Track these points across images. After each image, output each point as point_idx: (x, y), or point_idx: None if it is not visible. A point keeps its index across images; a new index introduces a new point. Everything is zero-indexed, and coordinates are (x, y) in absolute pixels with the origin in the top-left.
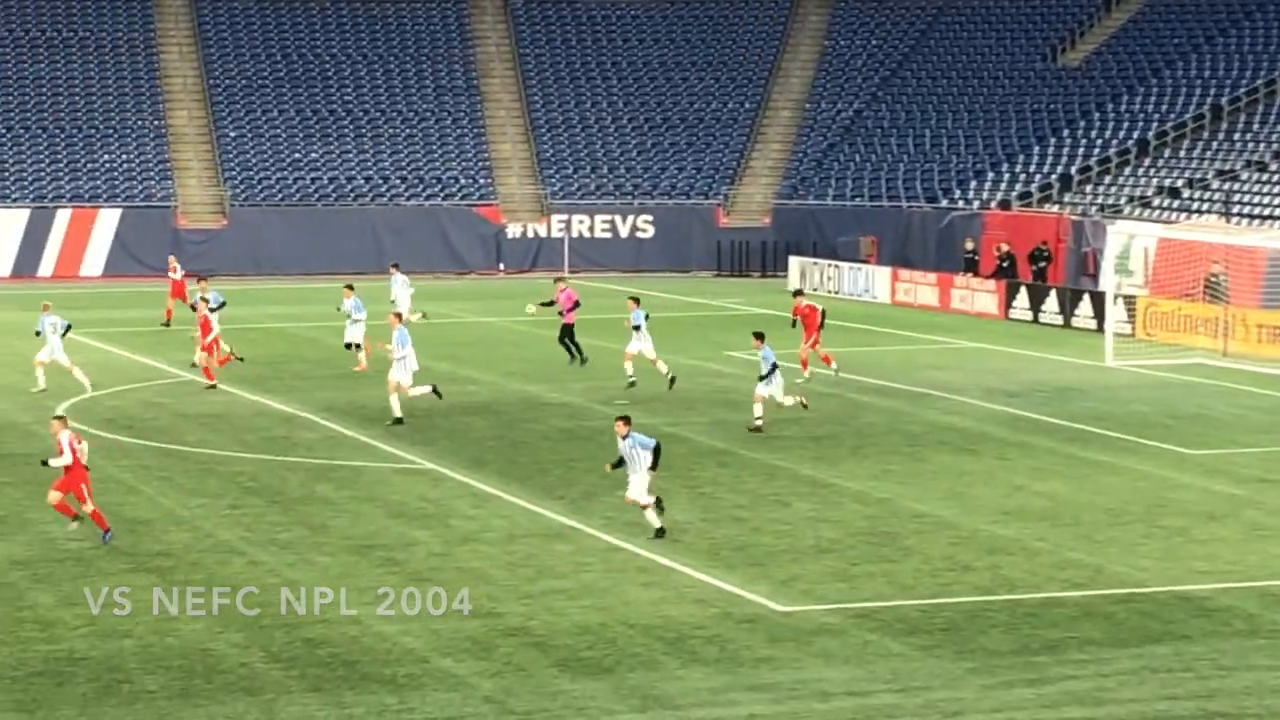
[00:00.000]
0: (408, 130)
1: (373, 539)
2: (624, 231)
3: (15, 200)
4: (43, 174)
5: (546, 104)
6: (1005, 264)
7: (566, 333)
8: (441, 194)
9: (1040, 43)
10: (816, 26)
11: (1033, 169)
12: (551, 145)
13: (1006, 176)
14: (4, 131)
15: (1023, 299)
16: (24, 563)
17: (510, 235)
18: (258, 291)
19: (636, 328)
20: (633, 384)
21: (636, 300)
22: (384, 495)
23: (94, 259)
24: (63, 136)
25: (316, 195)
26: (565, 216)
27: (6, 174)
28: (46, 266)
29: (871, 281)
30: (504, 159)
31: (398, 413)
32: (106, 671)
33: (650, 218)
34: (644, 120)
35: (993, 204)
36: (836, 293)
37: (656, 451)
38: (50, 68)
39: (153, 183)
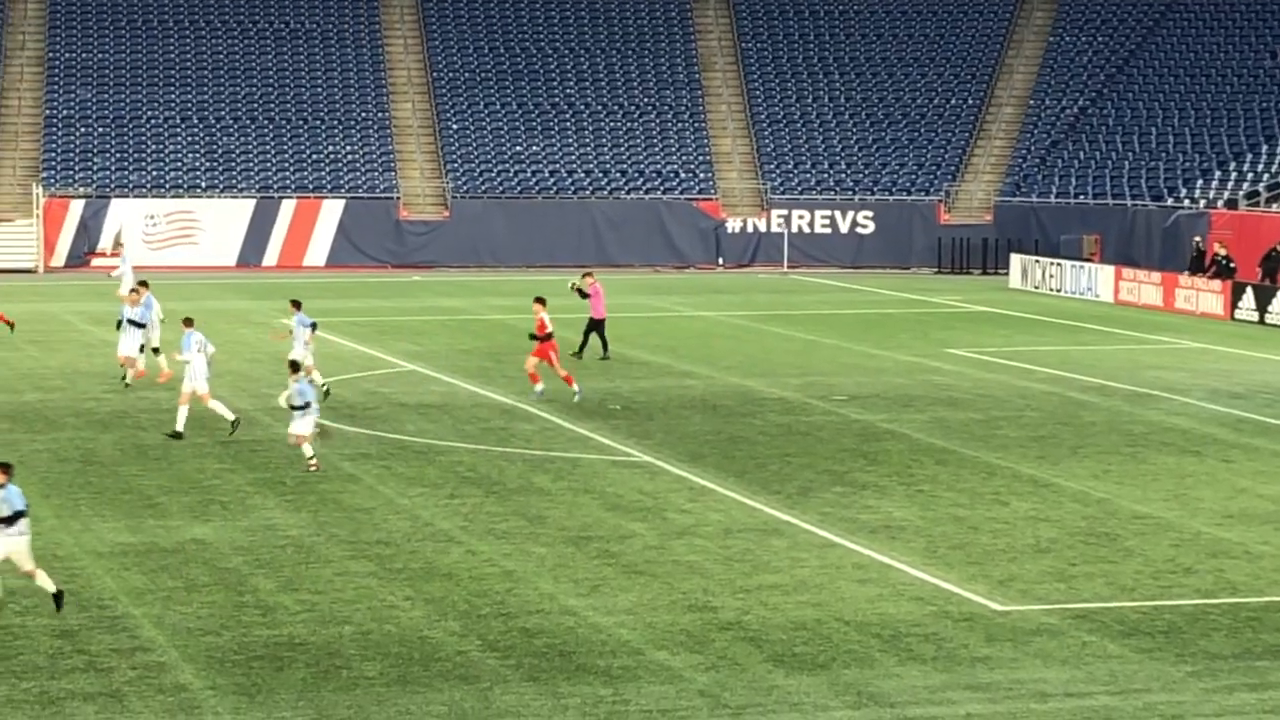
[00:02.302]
0: (628, 124)
1: (589, 530)
2: (844, 227)
3: (242, 190)
4: (269, 165)
5: (768, 98)
6: (1224, 264)
7: (595, 327)
8: (661, 188)
9: (1269, 39)
10: (1041, 22)
11: (1260, 168)
12: (772, 140)
13: (1234, 175)
14: (231, 122)
15: (1249, 299)
16: (246, 548)
17: (730, 230)
18: (478, 283)
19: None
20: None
21: (298, 304)
22: (600, 487)
23: (317, 249)
24: (289, 128)
25: (537, 188)
26: (785, 211)
27: (234, 164)
28: (271, 256)
29: (1094, 280)
30: (724, 153)
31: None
32: (325, 657)
33: (870, 213)
34: (865, 115)
35: (1219, 203)
36: (1059, 291)
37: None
38: (278, 59)
39: (376, 174)
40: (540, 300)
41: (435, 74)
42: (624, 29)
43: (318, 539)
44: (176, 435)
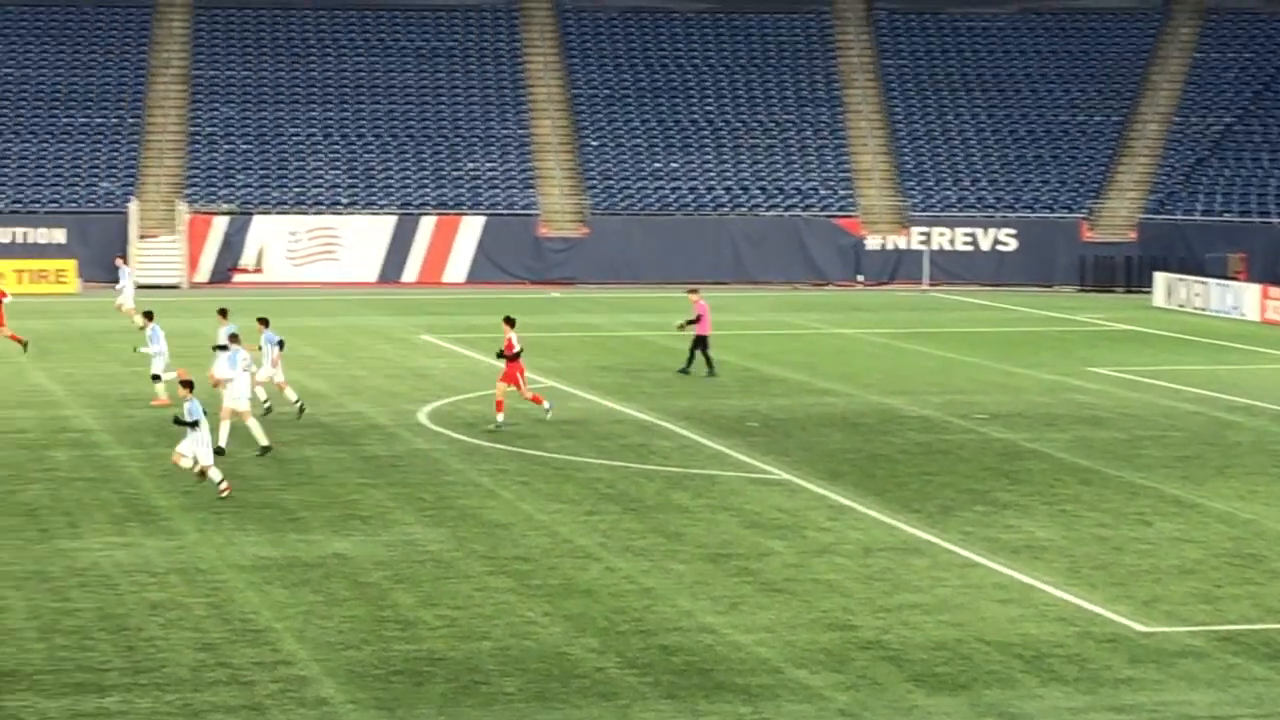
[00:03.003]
0: (768, 140)
1: (728, 548)
2: (985, 245)
3: (382, 207)
4: (409, 182)
5: (908, 115)
6: None
7: (701, 344)
8: (801, 205)
9: None
10: (1187, 39)
11: None
12: (913, 156)
13: None
14: (373, 139)
15: None
16: (386, 563)
17: (869, 247)
18: (616, 300)
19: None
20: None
21: (265, 321)
22: (739, 505)
23: (457, 266)
24: (429, 145)
25: (676, 205)
26: (926, 228)
27: (374, 182)
28: (411, 273)
29: (1240, 299)
30: (864, 170)
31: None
32: (465, 672)
33: (1013, 231)
34: (1007, 132)
35: None
36: (1204, 309)
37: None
38: (418, 77)
39: (515, 191)
40: (509, 320)
41: (575, 91)
42: (764, 45)
43: (457, 554)
44: (219, 451)
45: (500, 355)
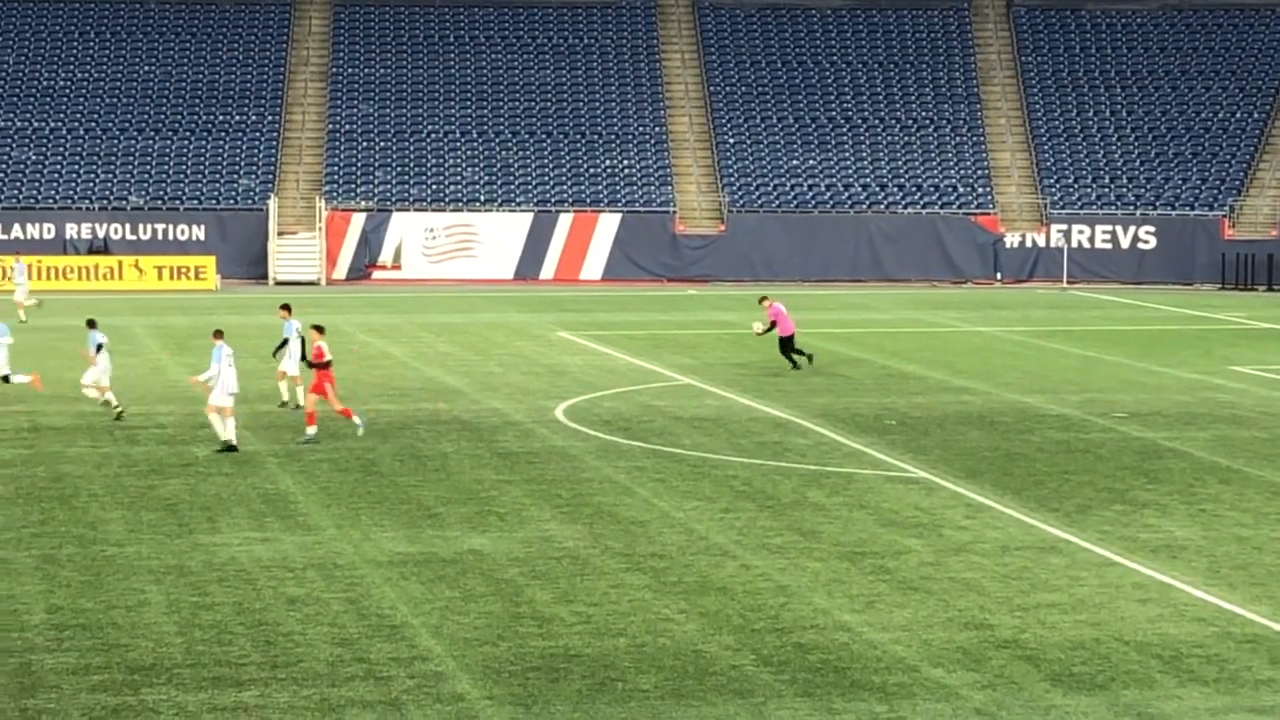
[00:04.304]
0: (906, 137)
1: (864, 546)
2: (1125, 242)
3: (520, 205)
4: (546, 179)
5: (1047, 111)
6: None
7: (786, 345)
8: (939, 202)
9: None
10: None
11: None
12: (1052, 153)
13: None
14: (510, 137)
15: None
16: (522, 560)
17: (1008, 244)
18: (753, 297)
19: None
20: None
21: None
22: (875, 503)
23: (594, 263)
24: (566, 142)
25: (813, 202)
26: (1064, 226)
27: (512, 179)
28: (548, 270)
29: None
30: (1003, 167)
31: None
32: (601, 669)
33: (1152, 229)
34: (1147, 129)
35: None
36: None
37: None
38: (556, 75)
39: (652, 188)
40: (318, 328)
41: (712, 88)
42: (902, 41)
43: (593, 551)
44: (230, 447)
45: (309, 364)
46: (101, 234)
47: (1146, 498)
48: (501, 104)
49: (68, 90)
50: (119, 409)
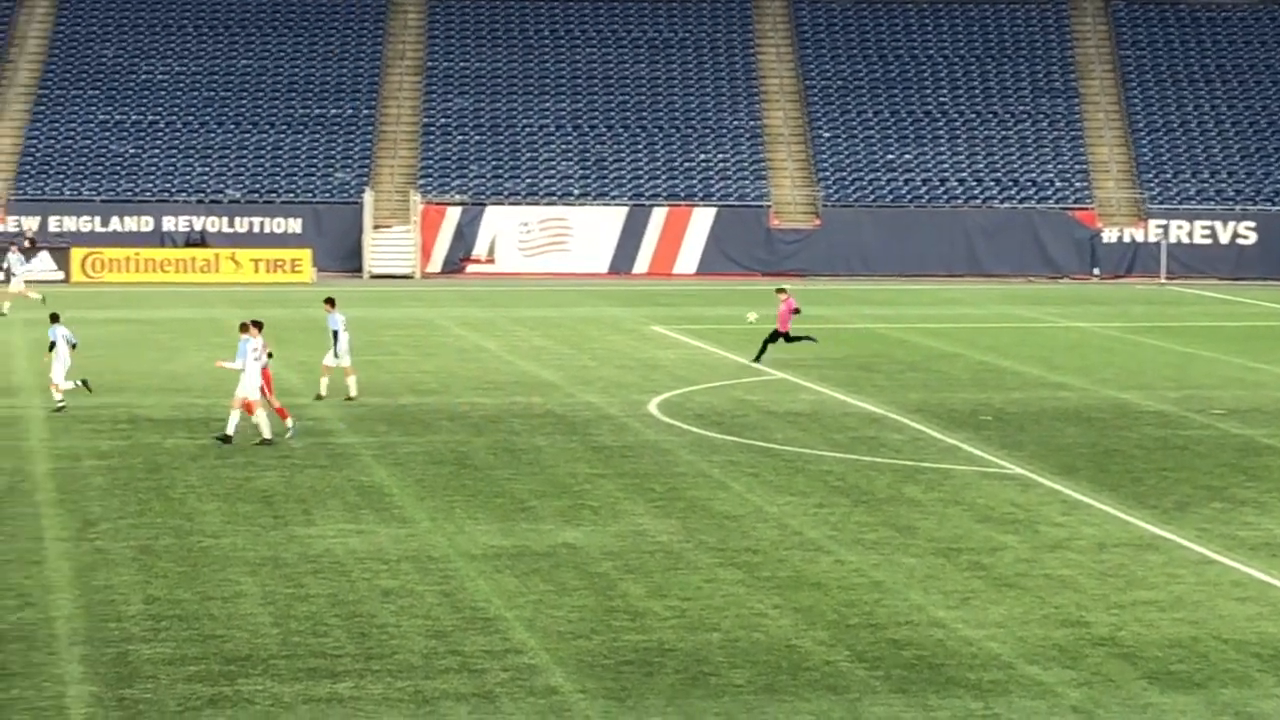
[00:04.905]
0: (1002, 132)
1: (959, 542)
2: (1224, 238)
3: (614, 198)
4: (640, 173)
5: (1146, 106)
6: None
7: (775, 337)
8: (1036, 196)
9: None
10: None
11: None
12: (1150, 148)
13: None
14: (605, 130)
15: None
16: (615, 553)
17: (1105, 240)
18: (849, 292)
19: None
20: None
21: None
22: (971, 499)
23: (688, 257)
24: (661, 136)
25: (909, 196)
26: (1163, 221)
27: (606, 172)
28: (641, 264)
29: None
30: (1101, 162)
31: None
32: (694, 663)
33: (1253, 224)
34: (1247, 123)
35: None
36: None
37: None
38: (651, 68)
39: (747, 182)
40: (257, 324)
41: (807, 81)
42: (999, 35)
43: (687, 545)
44: (226, 439)
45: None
46: (199, 227)
47: (1245, 495)
48: (596, 97)
49: (166, 83)
50: (61, 404)
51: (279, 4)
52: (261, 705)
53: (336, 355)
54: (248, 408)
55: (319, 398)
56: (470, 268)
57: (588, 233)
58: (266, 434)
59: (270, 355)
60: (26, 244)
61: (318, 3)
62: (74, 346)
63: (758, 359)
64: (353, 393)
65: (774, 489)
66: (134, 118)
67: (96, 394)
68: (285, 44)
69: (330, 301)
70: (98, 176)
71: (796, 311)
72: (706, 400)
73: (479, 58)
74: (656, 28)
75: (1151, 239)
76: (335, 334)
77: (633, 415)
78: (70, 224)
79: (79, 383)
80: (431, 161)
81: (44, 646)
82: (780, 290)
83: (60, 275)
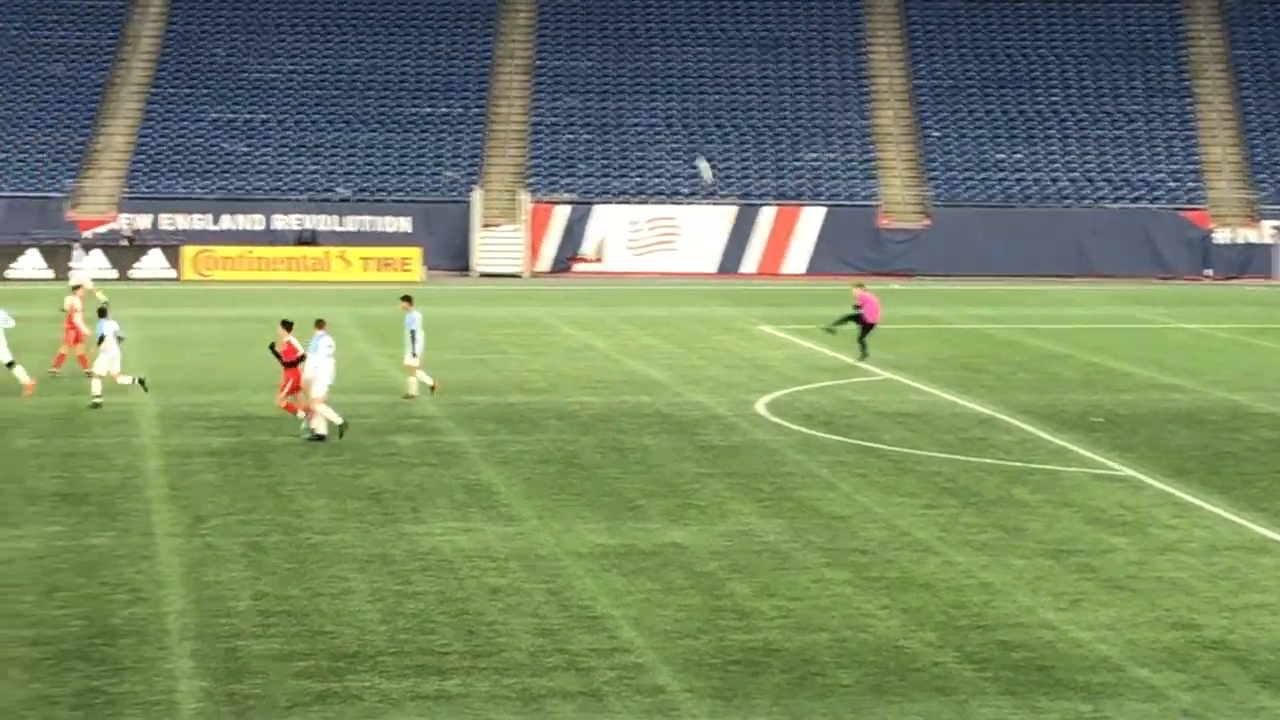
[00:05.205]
0: (1114, 131)
1: (1068, 544)
2: None
3: (723, 198)
4: (749, 172)
5: (1260, 106)
6: None
7: (866, 330)
8: (1148, 197)
9: None
10: None
11: None
12: (1265, 148)
13: None
14: (714, 129)
15: None
16: (722, 553)
17: (1218, 240)
18: (958, 292)
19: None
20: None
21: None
22: (1081, 500)
23: (797, 257)
24: (770, 135)
25: (1020, 196)
26: (1277, 223)
27: (715, 172)
28: (750, 264)
29: None
30: (1214, 162)
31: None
32: (801, 664)
33: None
34: None
35: None
36: None
37: None
38: (760, 67)
39: (857, 182)
40: (286, 324)
41: (917, 81)
42: (1111, 35)
43: (794, 545)
44: (319, 438)
45: (273, 351)
46: (309, 226)
47: None
48: (705, 97)
49: (277, 82)
50: (98, 399)
51: (390, 3)
52: (369, 702)
53: (415, 354)
54: (293, 407)
55: (407, 398)
56: (578, 267)
57: (696, 232)
58: (322, 430)
59: (303, 358)
60: (124, 242)
61: (428, 2)
62: (121, 340)
63: (862, 358)
64: (413, 391)
65: (882, 489)
66: (245, 116)
67: (206, 391)
68: (396, 43)
69: (408, 299)
70: (209, 175)
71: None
72: (814, 400)
73: (589, 56)
74: (767, 27)
75: (1266, 240)
76: (413, 333)
77: (740, 415)
78: (182, 222)
79: (136, 381)
80: (540, 160)
81: (155, 641)
82: (858, 285)
83: (114, 273)
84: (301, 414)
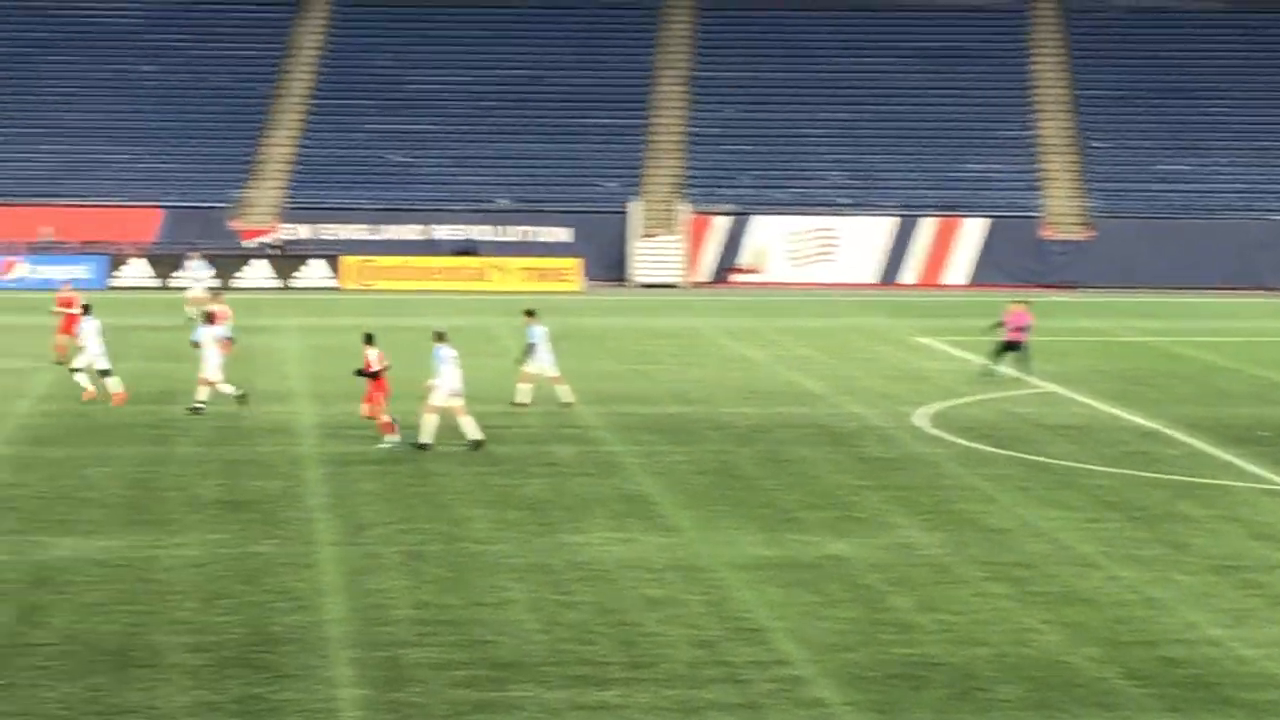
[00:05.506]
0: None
1: (1234, 560)
2: None
3: (883, 209)
4: (910, 183)
5: None
6: None
7: (1005, 348)
8: None
9: None
10: None
11: None
12: None
13: None
14: (874, 140)
15: None
16: (882, 566)
17: None
18: (1121, 304)
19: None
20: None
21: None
22: (1249, 516)
23: (957, 268)
24: (931, 146)
25: (1185, 208)
26: None
27: (875, 183)
28: (909, 274)
29: None
30: None
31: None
32: (962, 678)
33: None
34: None
35: None
36: None
37: None
38: (922, 78)
39: (1019, 193)
40: (368, 337)
41: (1081, 92)
42: (1278, 44)
43: (955, 559)
44: (423, 447)
45: (359, 373)
46: (469, 236)
47: None
48: (865, 107)
49: (437, 93)
50: (238, 394)
51: (549, 14)
52: (529, 711)
53: (532, 364)
54: (441, 411)
55: (519, 405)
56: (737, 277)
57: (855, 243)
58: (476, 434)
59: (388, 367)
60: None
61: (588, 13)
62: (231, 341)
63: (993, 373)
64: (569, 399)
65: (1044, 503)
66: (406, 127)
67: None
68: (556, 54)
69: (530, 313)
70: (370, 185)
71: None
72: (975, 412)
73: (747, 67)
74: (928, 37)
75: None
76: (532, 345)
77: (899, 426)
78: (343, 232)
79: (237, 395)
80: (699, 171)
81: (316, 649)
82: (1020, 302)
83: (218, 282)
84: (391, 438)
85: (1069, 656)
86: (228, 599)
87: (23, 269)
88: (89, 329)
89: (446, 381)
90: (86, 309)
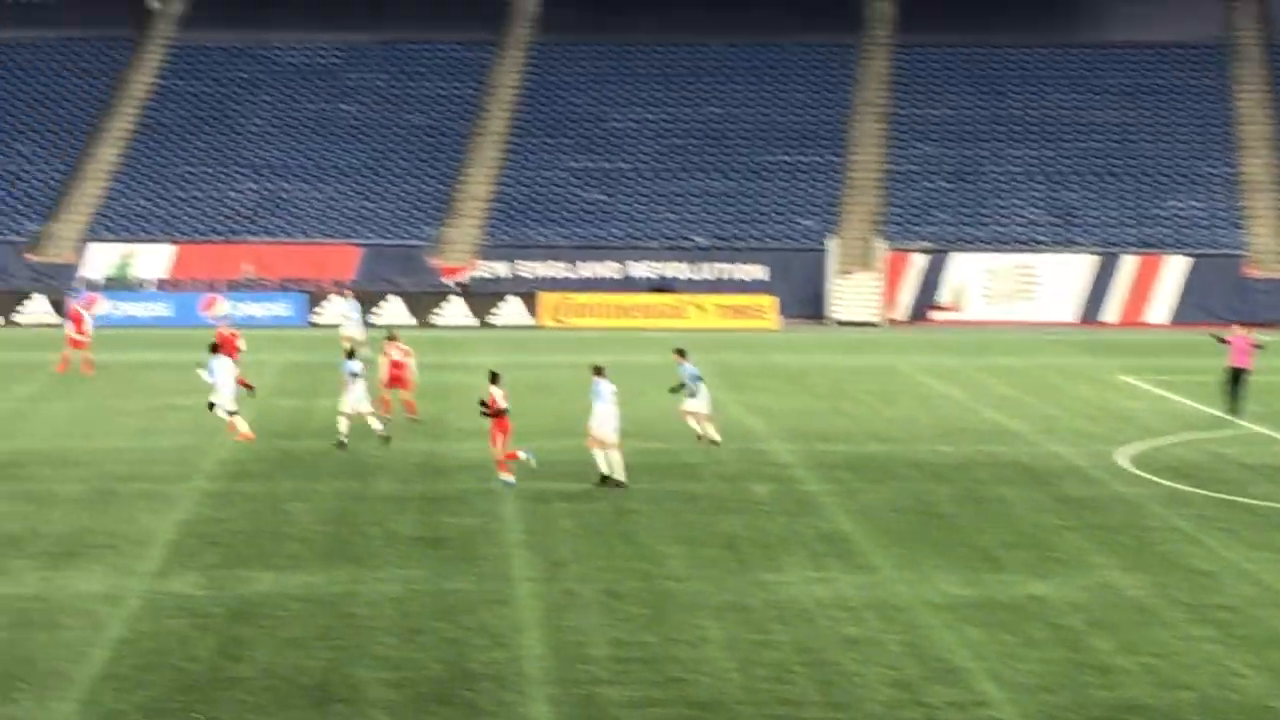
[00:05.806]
0: None
1: None
2: None
3: (1084, 246)
4: (1110, 220)
5: None
6: None
7: (1233, 376)
8: None
9: None
10: None
11: None
12: None
13: None
14: (1074, 178)
15: None
16: (1083, 607)
17: None
18: None
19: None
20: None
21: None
22: None
23: (1159, 306)
24: (1132, 183)
25: None
26: None
27: (1075, 220)
28: (1111, 313)
29: None
30: None
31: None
32: None
33: None
34: None
35: None
36: None
37: None
38: (1121, 114)
39: (1222, 231)
40: (493, 376)
41: None
42: None
43: (1158, 601)
44: (614, 482)
45: (484, 412)
46: (665, 273)
47: None
48: (1065, 144)
49: (634, 131)
50: (382, 430)
51: (746, 52)
52: None
53: (689, 403)
54: (600, 444)
55: (710, 442)
56: (935, 315)
57: (1055, 281)
58: (619, 475)
59: (503, 411)
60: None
61: (785, 50)
62: (361, 366)
63: (1234, 410)
64: (715, 437)
65: (1250, 545)
66: (603, 165)
67: (564, 437)
68: (753, 92)
69: (680, 352)
70: (567, 222)
71: (1258, 347)
72: (1178, 453)
73: (946, 104)
74: (1130, 74)
75: None
76: (684, 384)
77: (1101, 466)
78: (540, 270)
79: (383, 435)
80: (896, 208)
81: (513, 686)
82: (1241, 324)
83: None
84: (508, 477)
85: (1275, 701)
86: (426, 635)
87: (224, 306)
88: (219, 368)
89: (603, 417)
90: (214, 348)
